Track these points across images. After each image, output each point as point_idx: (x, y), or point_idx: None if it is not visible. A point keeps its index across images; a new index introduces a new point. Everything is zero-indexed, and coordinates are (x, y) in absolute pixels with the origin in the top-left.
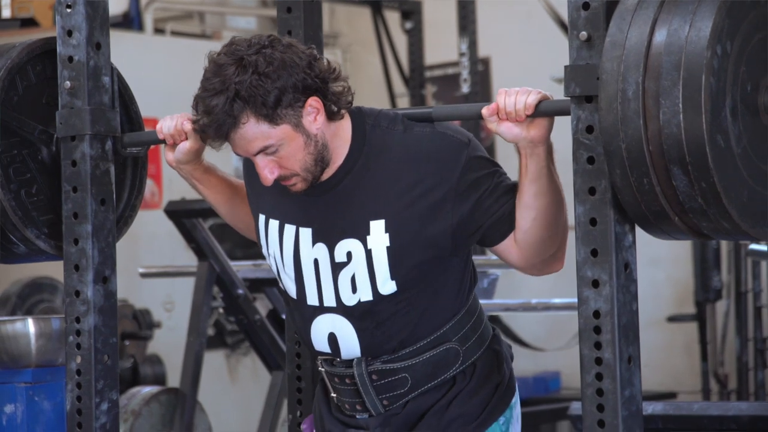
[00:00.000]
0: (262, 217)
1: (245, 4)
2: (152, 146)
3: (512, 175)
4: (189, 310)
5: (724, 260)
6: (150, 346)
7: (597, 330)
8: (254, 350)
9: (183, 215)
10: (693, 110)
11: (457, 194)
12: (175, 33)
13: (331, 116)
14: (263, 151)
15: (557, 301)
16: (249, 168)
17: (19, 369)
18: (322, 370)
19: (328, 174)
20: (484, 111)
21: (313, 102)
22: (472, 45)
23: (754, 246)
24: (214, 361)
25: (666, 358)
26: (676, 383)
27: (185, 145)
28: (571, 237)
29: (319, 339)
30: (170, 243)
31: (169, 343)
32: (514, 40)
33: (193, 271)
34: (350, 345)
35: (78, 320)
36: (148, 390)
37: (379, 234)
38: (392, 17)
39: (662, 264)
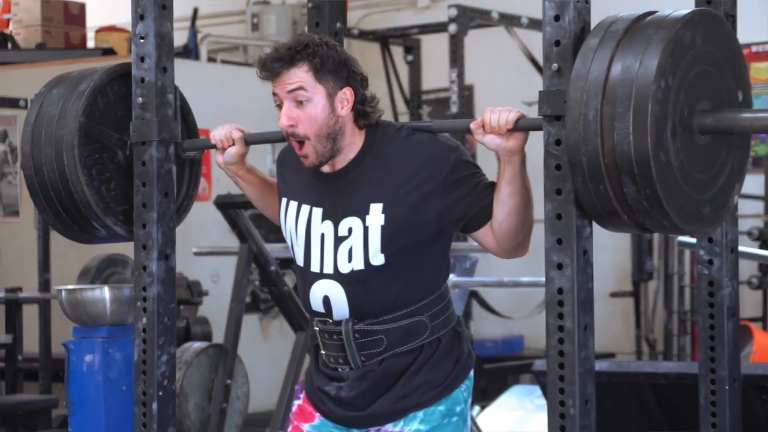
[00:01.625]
0: (284, 200)
1: (280, 39)
2: (205, 150)
3: (490, 177)
4: (231, 282)
5: (655, 248)
6: (200, 310)
7: (560, 303)
8: (283, 315)
9: (228, 206)
10: (641, 132)
11: (445, 188)
12: (224, 61)
13: (356, 120)
14: (296, 91)
15: (525, 279)
16: (281, 163)
17: (96, 327)
18: (317, 329)
19: (341, 165)
20: (473, 125)
21: (348, 93)
22: (460, 75)
23: (681, 238)
24: (250, 322)
25: (607, 325)
26: (615, 345)
27: (233, 150)
28: (540, 228)
29: (315, 301)
30: (218, 228)
31: (215, 308)
32: (493, 71)
33: (235, 251)
34: (341, 307)
35: (144, 289)
36: (198, 345)
37: (376, 214)
38: (397, 51)
39: (606, 250)
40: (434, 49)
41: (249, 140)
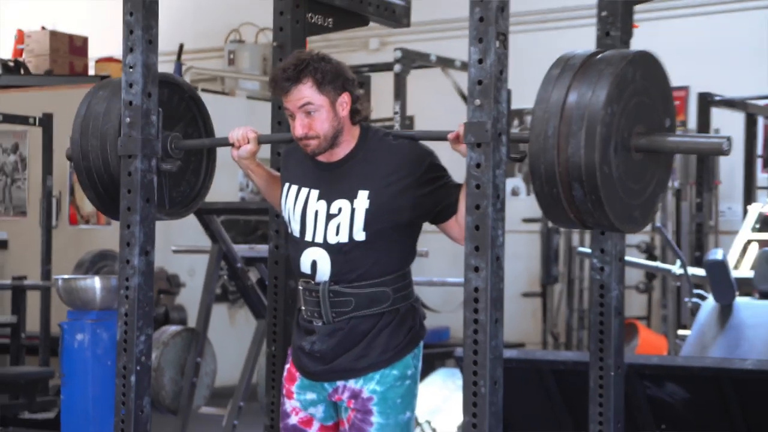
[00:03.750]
0: (287, 185)
1: (252, 72)
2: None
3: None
4: (204, 276)
5: (561, 257)
6: (177, 299)
7: (476, 300)
8: (247, 304)
9: (203, 212)
10: (590, 148)
11: (420, 183)
12: (204, 90)
13: (352, 118)
14: (305, 106)
15: (450, 279)
16: (287, 155)
17: (87, 311)
18: (301, 288)
19: (338, 157)
20: (450, 135)
21: (346, 97)
22: (403, 107)
23: (580, 249)
24: (219, 310)
25: (519, 321)
26: (525, 337)
27: (248, 147)
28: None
29: (305, 264)
30: (194, 231)
31: (190, 298)
32: (431, 104)
33: (207, 250)
34: (324, 270)
35: (127, 280)
36: (174, 328)
37: (363, 199)
38: None
39: (520, 258)
40: (381, 84)
41: (262, 140)
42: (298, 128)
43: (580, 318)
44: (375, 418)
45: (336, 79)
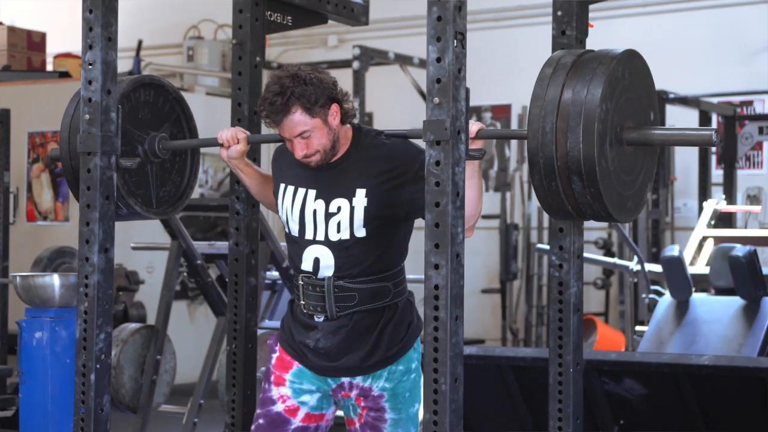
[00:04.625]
0: (282, 185)
1: (211, 69)
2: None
3: None
4: (164, 273)
5: (520, 253)
6: (136, 296)
7: (436, 297)
8: (206, 301)
9: None
10: (588, 143)
11: (414, 180)
12: None
13: (343, 120)
14: (301, 134)
15: (410, 276)
16: (279, 156)
17: (46, 308)
18: (301, 283)
19: (334, 159)
20: None
21: (335, 107)
22: (362, 104)
23: (539, 245)
24: (179, 307)
25: (478, 317)
26: (484, 333)
27: (237, 147)
28: (422, 234)
29: (306, 261)
30: (153, 227)
31: (149, 295)
32: (389, 102)
33: (167, 247)
34: (327, 266)
35: (86, 277)
36: (133, 325)
37: (361, 197)
38: None
39: (479, 254)
40: (340, 81)
41: (251, 140)
42: (298, 151)
43: (539, 314)
44: (388, 414)
45: (321, 95)
